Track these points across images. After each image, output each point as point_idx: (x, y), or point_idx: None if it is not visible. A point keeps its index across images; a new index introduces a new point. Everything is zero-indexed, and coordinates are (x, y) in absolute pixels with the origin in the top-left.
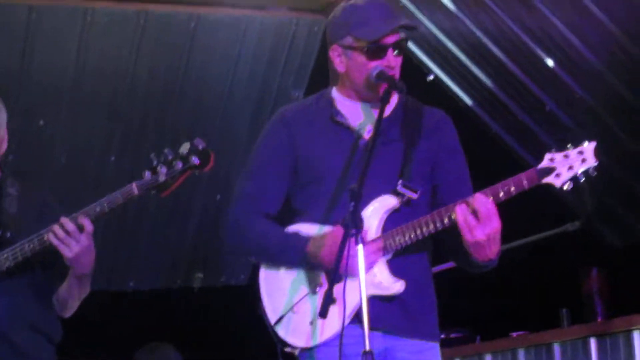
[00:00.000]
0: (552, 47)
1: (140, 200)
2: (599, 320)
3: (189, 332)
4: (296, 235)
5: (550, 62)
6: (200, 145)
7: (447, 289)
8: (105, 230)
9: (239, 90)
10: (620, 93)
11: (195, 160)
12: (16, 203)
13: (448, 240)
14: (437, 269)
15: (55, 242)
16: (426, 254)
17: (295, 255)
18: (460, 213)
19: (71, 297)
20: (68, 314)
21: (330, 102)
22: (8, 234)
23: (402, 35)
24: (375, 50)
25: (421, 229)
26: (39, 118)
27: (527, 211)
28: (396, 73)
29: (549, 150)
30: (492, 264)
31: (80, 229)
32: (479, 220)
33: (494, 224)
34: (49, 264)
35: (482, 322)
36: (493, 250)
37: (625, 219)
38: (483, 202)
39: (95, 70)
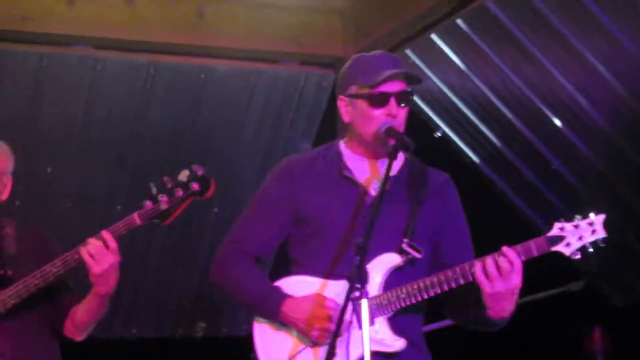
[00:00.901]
0: (559, 107)
1: (145, 246)
2: None
3: None
4: (276, 290)
5: (557, 122)
6: (200, 171)
7: (449, 347)
8: None
9: (246, 142)
10: (625, 153)
11: (195, 186)
12: (14, 242)
13: (459, 298)
14: (438, 325)
15: (86, 258)
16: (422, 313)
17: (268, 309)
18: (480, 265)
19: (90, 317)
20: (82, 336)
21: (339, 155)
22: (9, 273)
23: (408, 88)
24: (378, 98)
25: (427, 291)
26: (47, 165)
27: (531, 269)
28: (401, 125)
29: (554, 209)
30: (504, 322)
31: (106, 245)
32: (500, 274)
33: (514, 280)
34: (55, 298)
35: None
36: (509, 307)
37: (629, 279)
38: (511, 257)
39: (104, 118)
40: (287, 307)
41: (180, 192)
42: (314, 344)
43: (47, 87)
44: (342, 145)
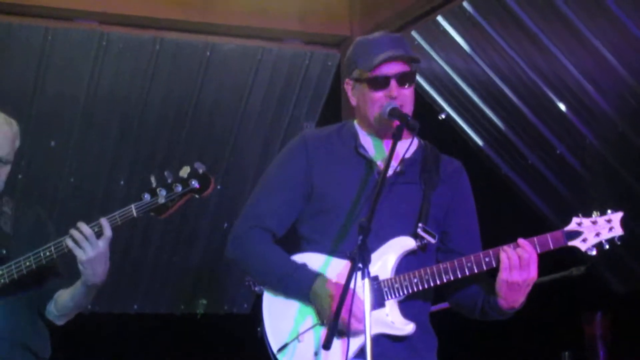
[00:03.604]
0: (564, 91)
1: (148, 224)
2: None
3: (190, 357)
4: (304, 268)
5: (562, 106)
6: (201, 169)
7: (451, 329)
8: (110, 252)
9: (250, 120)
10: (630, 139)
11: (195, 184)
12: (10, 221)
13: (467, 287)
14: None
15: (70, 244)
16: (430, 299)
17: (297, 286)
18: (505, 252)
19: (74, 304)
20: (62, 321)
21: (355, 134)
22: (3, 252)
23: (412, 68)
24: (377, 81)
25: (440, 278)
26: (50, 139)
27: None
28: (406, 105)
29: (557, 194)
30: (511, 313)
31: (98, 234)
32: (520, 265)
33: (532, 273)
34: (44, 280)
35: None
36: (520, 299)
37: (630, 265)
38: (528, 250)
39: (108, 94)
40: (318, 286)
41: (178, 188)
42: (323, 323)
43: (52, 61)
44: (357, 125)
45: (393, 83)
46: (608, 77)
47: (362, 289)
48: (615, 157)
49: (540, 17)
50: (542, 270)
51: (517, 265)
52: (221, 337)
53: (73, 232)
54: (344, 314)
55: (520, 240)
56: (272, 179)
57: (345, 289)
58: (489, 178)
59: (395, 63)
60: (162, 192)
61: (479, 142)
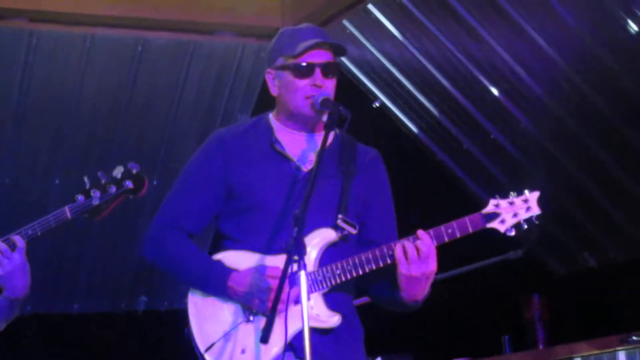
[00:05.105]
0: (497, 77)
1: (85, 221)
2: (541, 347)
3: (133, 355)
4: (219, 264)
5: (495, 91)
6: (135, 169)
7: (390, 315)
8: (48, 252)
9: (184, 114)
10: (564, 122)
11: (129, 184)
12: None
13: (379, 278)
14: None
15: None
16: (353, 288)
17: (213, 284)
18: (402, 246)
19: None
20: None
21: (269, 129)
22: None
23: (337, 61)
24: (302, 69)
25: (362, 267)
26: None
27: (470, 238)
28: (329, 96)
29: (493, 178)
30: (416, 305)
31: (12, 247)
32: (419, 258)
33: (431, 266)
34: None
35: (425, 348)
36: (422, 291)
37: (567, 246)
38: (426, 243)
39: (40, 92)
40: (233, 281)
41: (113, 189)
42: (249, 320)
43: None
44: (272, 119)
45: (318, 72)
46: (540, 61)
47: (296, 280)
48: (549, 140)
49: (471, 3)
50: (479, 255)
51: (415, 259)
52: (163, 333)
53: None
54: (280, 306)
55: (420, 232)
56: (188, 178)
57: (282, 282)
58: (424, 164)
59: (321, 52)
60: (96, 194)
61: (414, 129)
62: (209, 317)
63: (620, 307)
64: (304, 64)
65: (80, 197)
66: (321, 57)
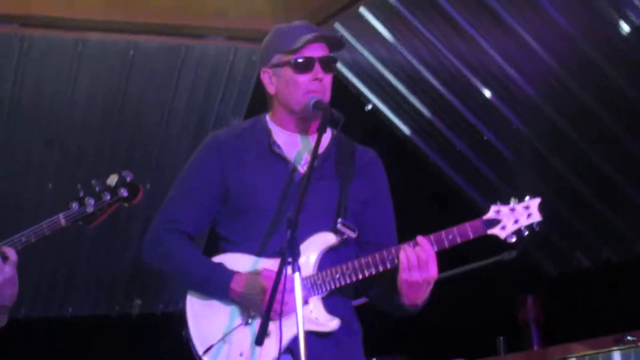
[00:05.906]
0: (488, 78)
1: (79, 227)
2: (535, 348)
3: (128, 358)
4: (221, 267)
5: (487, 93)
6: (129, 177)
7: (384, 316)
8: (43, 255)
9: (177, 118)
10: (556, 124)
11: (123, 192)
12: None
13: (380, 282)
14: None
15: None
16: (352, 292)
17: (215, 286)
18: (404, 252)
19: None
20: None
21: (267, 130)
22: None
23: (332, 54)
24: (302, 63)
25: (362, 272)
26: None
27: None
28: (326, 92)
29: (486, 180)
30: (416, 310)
31: (4, 258)
32: (419, 264)
33: (432, 272)
34: None
35: (421, 349)
36: (422, 296)
37: (561, 247)
38: (426, 249)
39: (32, 97)
40: (235, 283)
41: (107, 197)
42: (247, 322)
43: None
44: (269, 120)
45: (317, 66)
46: (531, 62)
47: (293, 283)
48: (541, 141)
49: (462, 5)
50: (473, 257)
51: (416, 265)
52: (158, 337)
53: None
54: (275, 308)
55: (419, 238)
56: (187, 181)
57: (276, 284)
58: (417, 166)
59: (319, 46)
60: (91, 201)
61: (406, 131)
62: (207, 320)
63: (615, 307)
64: (304, 58)
65: (74, 205)
66: (320, 50)
